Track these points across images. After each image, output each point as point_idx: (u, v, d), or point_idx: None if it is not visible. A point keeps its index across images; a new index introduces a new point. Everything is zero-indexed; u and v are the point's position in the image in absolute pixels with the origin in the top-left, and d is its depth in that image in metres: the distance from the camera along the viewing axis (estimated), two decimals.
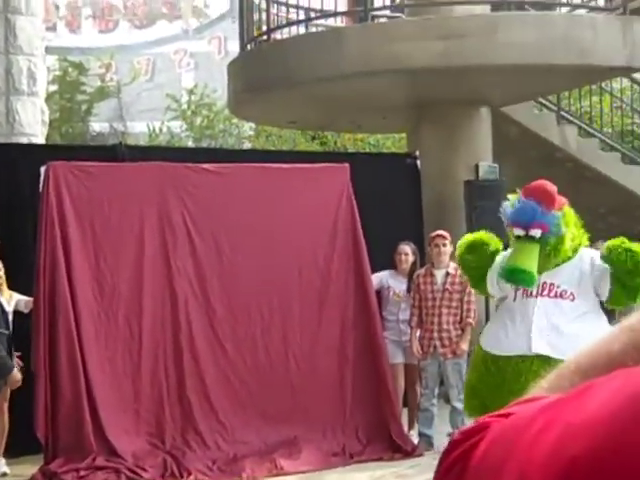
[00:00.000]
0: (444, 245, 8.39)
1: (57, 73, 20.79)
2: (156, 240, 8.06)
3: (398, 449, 8.05)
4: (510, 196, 6.05)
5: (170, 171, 8.18)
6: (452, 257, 8.34)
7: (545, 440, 0.75)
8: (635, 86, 13.95)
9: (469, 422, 6.37)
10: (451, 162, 10.97)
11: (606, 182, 12.54)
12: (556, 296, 5.96)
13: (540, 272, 5.88)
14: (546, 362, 5.68)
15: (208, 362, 8.00)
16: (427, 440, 8.30)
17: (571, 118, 12.92)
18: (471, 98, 11.06)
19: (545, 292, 5.97)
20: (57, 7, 23.20)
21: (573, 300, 5.96)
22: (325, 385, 8.25)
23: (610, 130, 13.67)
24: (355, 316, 8.40)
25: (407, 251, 8.86)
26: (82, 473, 7.29)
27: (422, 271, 8.56)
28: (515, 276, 5.78)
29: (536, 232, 5.74)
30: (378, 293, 8.72)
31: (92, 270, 7.85)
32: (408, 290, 8.72)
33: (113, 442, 7.51)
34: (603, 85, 13.55)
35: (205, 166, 8.35)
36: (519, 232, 5.79)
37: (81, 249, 7.82)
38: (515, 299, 6.08)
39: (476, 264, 6.29)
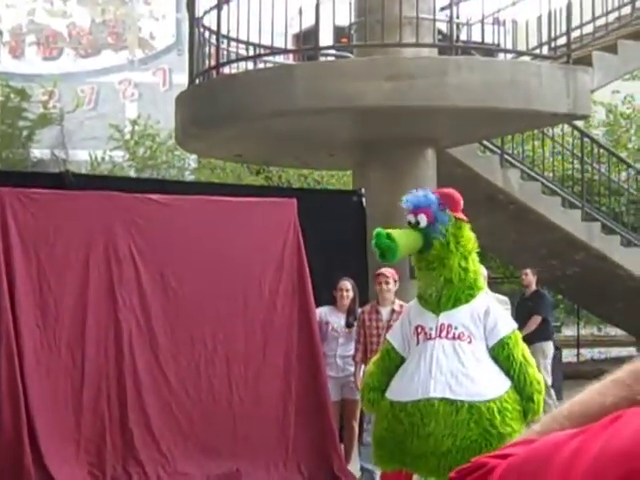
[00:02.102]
0: (387, 283, 8.42)
1: None
2: (102, 270, 8.00)
3: None
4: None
5: (118, 201, 8.15)
6: (397, 294, 8.43)
7: (580, 464, 0.76)
8: (576, 132, 14.22)
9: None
10: (396, 201, 10.96)
11: (547, 225, 12.76)
12: (454, 338, 5.93)
13: (437, 312, 5.95)
14: (451, 404, 5.74)
15: (151, 393, 7.94)
16: (369, 475, 8.31)
17: (514, 161, 13.14)
18: (418, 138, 11.20)
19: (443, 334, 5.94)
20: (0, 33, 23.04)
21: (470, 342, 5.94)
22: (268, 418, 8.23)
23: (551, 174, 13.92)
24: (299, 350, 8.41)
25: (348, 287, 8.91)
26: None
27: (367, 307, 8.60)
28: (380, 239, 5.73)
29: (421, 218, 5.81)
30: None
31: (35, 298, 7.76)
32: (347, 325, 8.78)
33: (53, 472, 7.39)
34: (545, 130, 13.80)
35: (153, 197, 8.32)
36: (410, 217, 5.87)
37: (25, 276, 7.73)
38: (418, 343, 6.01)
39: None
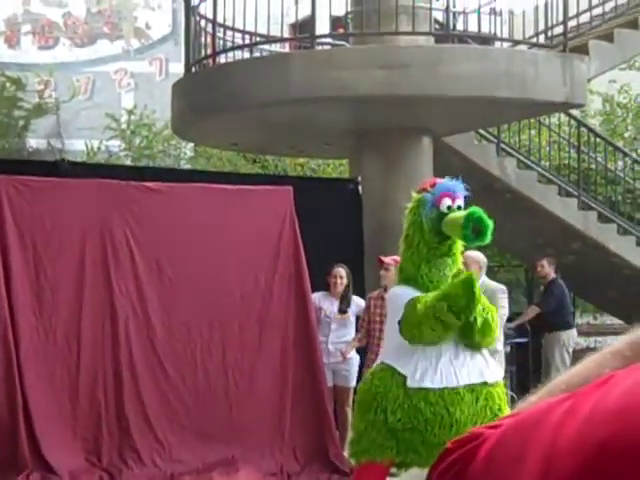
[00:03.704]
0: (387, 270, 8.39)
1: None
2: (98, 258, 8.01)
3: (336, 470, 8.08)
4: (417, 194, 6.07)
5: (113, 189, 8.15)
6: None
7: (570, 426, 0.77)
8: (572, 122, 14.22)
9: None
10: (392, 189, 11.05)
11: (543, 214, 12.75)
12: None
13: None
14: (472, 392, 5.74)
15: (147, 380, 7.96)
16: None
17: (510, 150, 13.13)
18: (413, 127, 11.18)
19: None
20: None
21: None
22: (264, 406, 8.25)
23: (547, 163, 13.92)
24: (295, 338, 8.43)
25: (342, 274, 8.93)
26: None
27: (375, 293, 8.63)
28: (485, 219, 5.51)
29: (461, 203, 5.78)
30: None
31: (32, 286, 7.78)
32: (340, 311, 8.81)
33: (49, 459, 7.43)
34: (541, 119, 13.80)
35: (149, 185, 8.33)
36: (447, 201, 5.75)
37: (21, 264, 7.74)
38: None
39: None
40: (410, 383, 5.82)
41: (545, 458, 0.76)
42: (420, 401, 5.74)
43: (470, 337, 5.85)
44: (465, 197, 5.88)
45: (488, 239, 5.65)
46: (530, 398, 0.96)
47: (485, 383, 5.84)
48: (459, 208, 5.76)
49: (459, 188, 5.86)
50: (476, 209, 5.64)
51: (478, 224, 5.56)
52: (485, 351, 6.03)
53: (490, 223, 5.57)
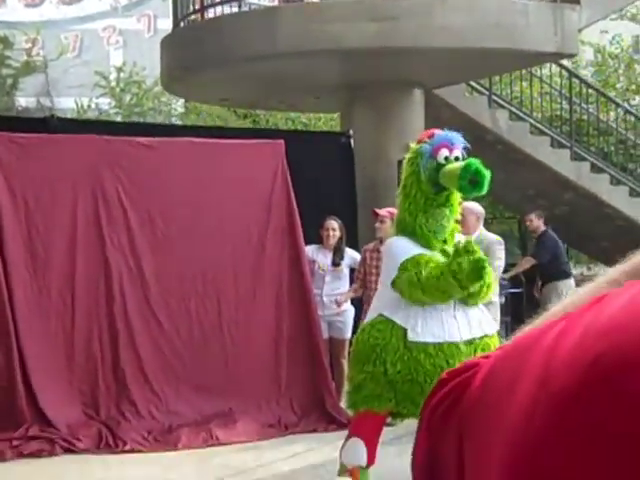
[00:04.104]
0: (383, 222, 8.37)
1: None
2: (90, 213, 8.00)
3: (333, 421, 8.13)
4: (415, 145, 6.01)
5: (104, 144, 8.12)
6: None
7: (566, 342, 0.76)
8: (564, 73, 14.18)
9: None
10: (384, 143, 11.06)
11: (535, 165, 12.76)
12: None
13: (445, 252, 5.85)
14: (470, 344, 5.75)
15: (142, 334, 7.99)
16: None
17: (502, 102, 13.10)
18: (404, 80, 11.15)
19: None
20: None
21: None
22: (260, 358, 8.29)
23: (539, 115, 13.89)
24: (290, 291, 8.45)
25: (334, 226, 8.91)
26: (15, 443, 7.24)
27: (371, 246, 8.62)
28: (481, 169, 5.41)
29: (459, 153, 5.68)
30: None
31: (24, 242, 7.77)
32: (333, 264, 8.82)
33: (47, 412, 7.46)
34: (533, 71, 13.76)
35: (139, 140, 8.30)
36: (444, 152, 5.65)
37: (13, 220, 7.73)
38: None
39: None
40: (411, 337, 5.79)
41: (539, 379, 0.76)
42: (420, 353, 5.73)
43: (472, 299, 5.89)
44: (464, 149, 5.85)
45: (485, 190, 5.65)
46: (525, 328, 0.96)
47: (485, 335, 5.86)
48: (457, 159, 5.74)
49: (457, 139, 5.82)
50: (474, 160, 5.62)
51: (475, 175, 5.55)
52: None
53: (487, 174, 5.55)
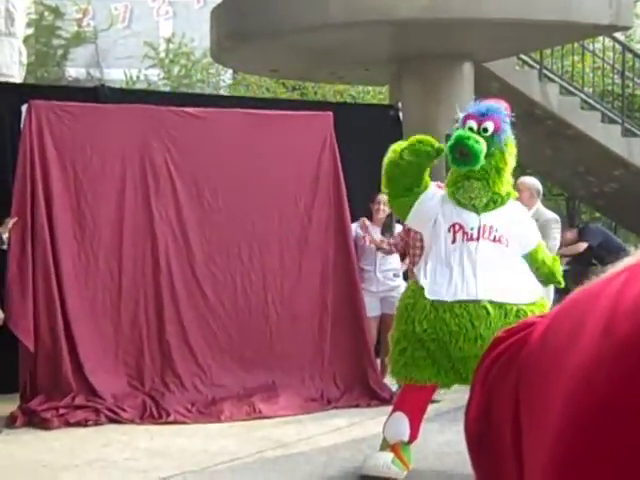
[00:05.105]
0: None
1: (33, 16, 20.48)
2: (137, 183, 8.02)
3: (375, 396, 8.12)
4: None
5: (153, 114, 8.13)
6: None
7: (631, 291, 0.75)
8: (617, 47, 13.95)
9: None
10: (433, 116, 10.95)
11: (586, 141, 12.58)
12: (494, 240, 5.83)
13: (479, 211, 5.82)
14: (500, 307, 5.70)
15: (188, 306, 8.01)
16: None
17: (553, 76, 12.92)
18: (454, 52, 11.03)
19: (486, 235, 5.83)
20: None
21: (507, 246, 5.87)
22: (304, 332, 8.28)
23: (591, 89, 13.70)
24: (335, 264, 8.42)
25: (385, 200, 8.82)
26: (62, 411, 7.32)
27: None
28: (469, 141, 5.47)
29: (489, 124, 5.63)
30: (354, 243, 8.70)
31: (73, 211, 7.82)
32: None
33: (92, 382, 7.53)
34: (585, 44, 13.56)
35: (188, 110, 8.30)
36: (471, 123, 5.63)
37: (62, 189, 7.77)
38: (454, 241, 5.85)
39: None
40: (427, 294, 5.81)
41: (603, 327, 0.75)
42: (445, 312, 5.72)
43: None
44: (505, 121, 5.76)
45: (479, 163, 5.60)
46: (582, 287, 0.94)
47: (519, 303, 5.78)
48: (485, 131, 5.67)
49: (492, 110, 5.74)
50: (462, 133, 5.57)
51: (462, 147, 5.52)
52: (522, 272, 5.97)
53: (478, 146, 5.51)
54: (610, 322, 0.74)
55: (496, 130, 5.67)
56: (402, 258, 8.73)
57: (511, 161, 5.90)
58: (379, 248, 8.48)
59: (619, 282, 0.77)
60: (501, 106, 5.81)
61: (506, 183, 5.94)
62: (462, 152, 5.54)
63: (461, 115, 5.79)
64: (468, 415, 0.92)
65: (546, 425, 0.77)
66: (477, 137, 5.58)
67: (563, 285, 6.36)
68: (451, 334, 5.69)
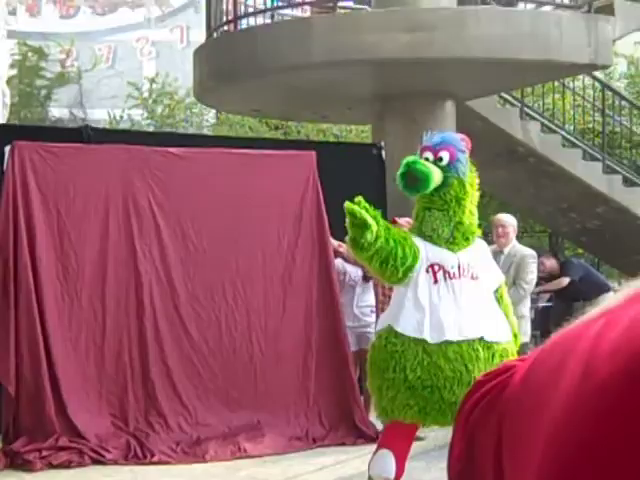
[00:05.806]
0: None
1: (16, 57, 20.56)
2: (121, 223, 8.02)
3: (361, 434, 8.09)
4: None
5: (136, 154, 8.14)
6: None
7: (610, 335, 0.76)
8: (597, 84, 14.09)
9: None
10: (415, 154, 11.00)
11: (567, 178, 12.67)
12: (472, 278, 5.82)
13: (454, 250, 5.81)
14: (489, 348, 5.70)
15: (172, 345, 7.99)
16: None
17: (534, 114, 13.03)
18: (437, 91, 11.11)
19: (466, 272, 5.80)
20: None
21: (482, 283, 5.87)
22: (289, 370, 8.26)
23: (572, 127, 13.81)
24: (319, 303, 8.42)
25: None
26: (45, 453, 7.25)
27: None
28: (417, 165, 5.50)
29: (444, 154, 5.65)
30: None
31: (56, 251, 7.80)
32: (364, 278, 8.76)
33: (76, 423, 7.47)
34: (565, 82, 13.68)
35: (172, 150, 8.32)
36: (427, 154, 5.65)
37: (45, 230, 7.76)
38: (437, 281, 5.76)
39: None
40: (429, 338, 5.69)
41: (583, 371, 0.76)
42: (440, 358, 5.70)
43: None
44: (461, 150, 5.78)
45: (429, 185, 5.60)
46: (561, 330, 0.95)
47: (499, 342, 5.77)
48: (441, 160, 5.70)
49: (447, 140, 5.79)
50: (410, 159, 5.62)
51: (411, 171, 5.55)
52: (498, 310, 5.97)
53: (426, 169, 5.53)
54: (590, 364, 0.75)
55: (451, 159, 5.70)
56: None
57: (472, 192, 5.90)
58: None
59: (599, 325, 0.78)
60: (457, 137, 5.88)
61: (469, 214, 5.91)
62: (412, 177, 5.58)
63: (418, 149, 5.86)
64: (451, 455, 0.93)
65: (529, 465, 0.78)
66: (425, 162, 5.62)
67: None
68: (446, 379, 5.64)
